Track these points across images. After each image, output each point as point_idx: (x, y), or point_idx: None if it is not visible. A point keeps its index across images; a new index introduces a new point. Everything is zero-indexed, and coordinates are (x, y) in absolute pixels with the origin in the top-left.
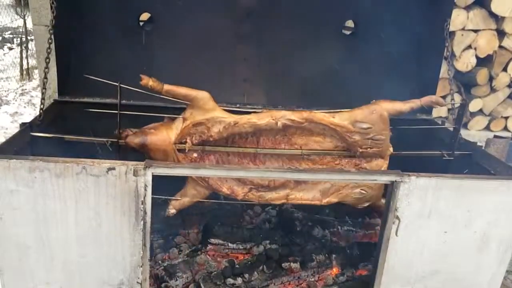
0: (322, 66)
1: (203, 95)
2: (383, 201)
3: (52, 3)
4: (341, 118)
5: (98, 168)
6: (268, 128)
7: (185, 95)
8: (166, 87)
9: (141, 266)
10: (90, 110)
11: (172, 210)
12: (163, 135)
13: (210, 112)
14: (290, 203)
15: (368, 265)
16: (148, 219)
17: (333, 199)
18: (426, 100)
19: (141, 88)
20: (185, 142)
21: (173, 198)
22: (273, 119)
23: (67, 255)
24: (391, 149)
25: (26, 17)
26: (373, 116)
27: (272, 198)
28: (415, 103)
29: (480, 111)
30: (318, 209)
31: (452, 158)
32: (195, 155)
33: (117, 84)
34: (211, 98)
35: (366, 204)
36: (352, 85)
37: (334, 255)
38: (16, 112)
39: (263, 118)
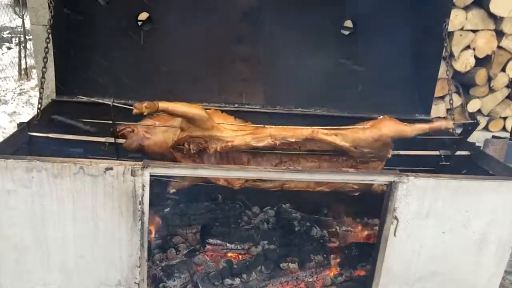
0: (320, 66)
1: (200, 116)
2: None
3: (50, 2)
4: (343, 139)
5: (95, 168)
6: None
7: (182, 115)
8: (161, 105)
9: (139, 267)
10: (84, 120)
11: (172, 190)
12: (160, 140)
13: (208, 131)
14: (285, 190)
15: (366, 265)
16: (146, 219)
17: (326, 188)
18: (435, 126)
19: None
20: (183, 145)
21: (173, 180)
22: (272, 141)
23: (65, 256)
24: (389, 155)
25: (24, 17)
26: (377, 144)
27: (268, 187)
28: (422, 129)
29: (479, 112)
30: (316, 210)
31: (448, 163)
32: (193, 151)
33: (110, 102)
34: (210, 118)
35: (358, 193)
36: (350, 85)
37: (332, 256)
38: (14, 112)
39: (262, 140)
